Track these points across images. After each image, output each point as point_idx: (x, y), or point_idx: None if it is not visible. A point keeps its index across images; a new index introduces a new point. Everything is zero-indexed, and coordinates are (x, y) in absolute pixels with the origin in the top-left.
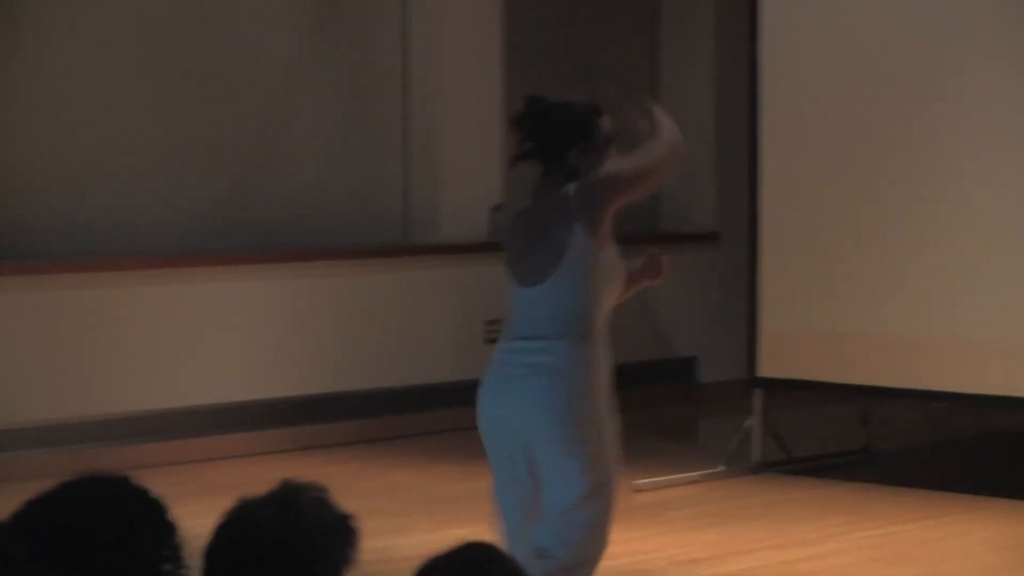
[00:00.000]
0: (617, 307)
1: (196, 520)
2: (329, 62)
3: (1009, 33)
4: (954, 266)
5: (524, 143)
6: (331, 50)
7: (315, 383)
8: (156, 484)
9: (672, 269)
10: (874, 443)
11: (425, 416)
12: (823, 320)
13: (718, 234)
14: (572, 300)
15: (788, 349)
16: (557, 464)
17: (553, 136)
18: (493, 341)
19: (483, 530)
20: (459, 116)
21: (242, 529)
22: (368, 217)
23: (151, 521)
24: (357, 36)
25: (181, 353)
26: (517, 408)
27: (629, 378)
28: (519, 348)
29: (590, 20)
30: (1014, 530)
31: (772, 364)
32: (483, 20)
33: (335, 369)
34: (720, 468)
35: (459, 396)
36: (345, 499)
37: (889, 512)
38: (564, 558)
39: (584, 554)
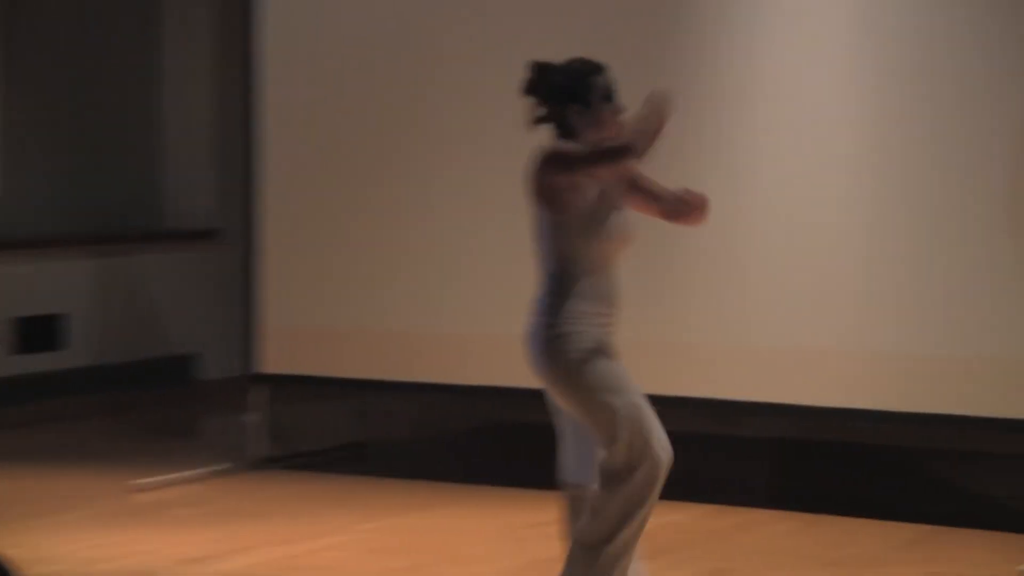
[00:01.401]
0: (113, 306)
1: None
2: None
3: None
4: (449, 262)
5: (537, 109)
6: None
7: None
8: None
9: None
10: (373, 436)
11: None
12: (322, 316)
13: (217, 231)
14: (550, 263)
15: (288, 345)
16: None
17: (552, 99)
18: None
19: None
20: None
21: None
22: None
23: None
24: None
25: None
26: None
27: (128, 377)
28: None
29: (91, 12)
30: (506, 518)
31: (273, 360)
32: None
33: None
34: (222, 465)
35: None
36: None
37: (388, 504)
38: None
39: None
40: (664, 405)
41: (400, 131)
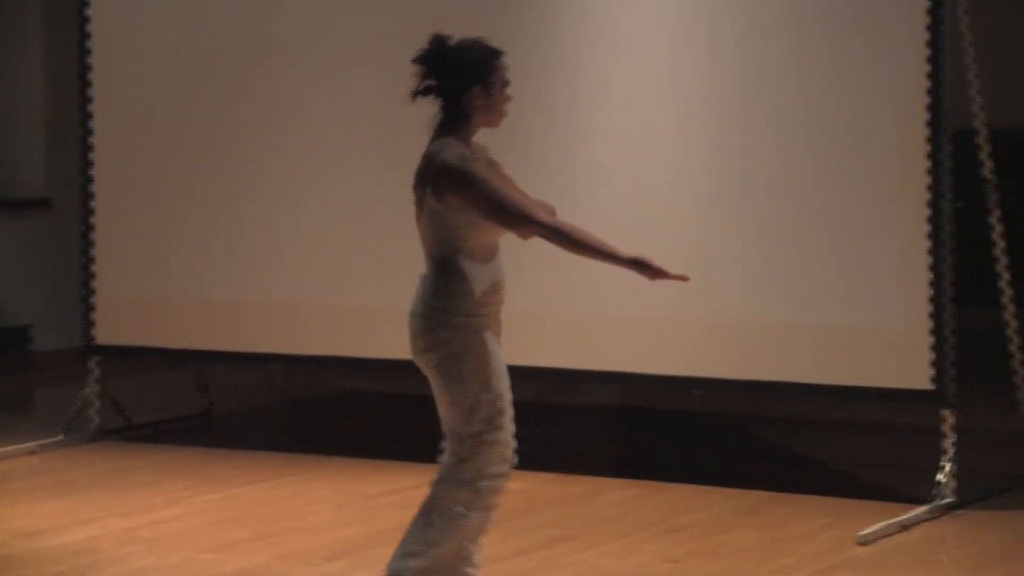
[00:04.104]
0: None
1: None
2: None
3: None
4: (285, 232)
5: (424, 80)
6: None
7: None
8: None
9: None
10: (214, 407)
11: None
12: (158, 286)
13: (49, 200)
14: (431, 247)
15: (124, 315)
16: None
17: (452, 76)
18: None
19: None
20: None
21: None
22: None
23: None
24: None
25: None
26: None
27: None
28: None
29: None
30: (349, 486)
31: (108, 331)
32: None
33: None
34: (59, 437)
35: None
36: None
37: (229, 475)
38: None
39: None
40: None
41: (233, 102)
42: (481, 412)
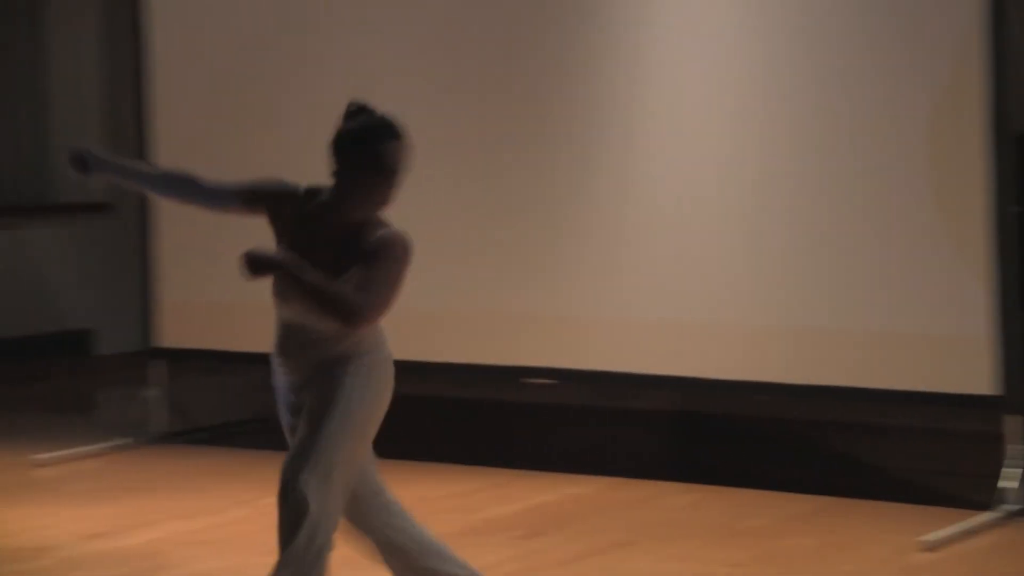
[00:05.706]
0: (6, 279)
1: None
2: None
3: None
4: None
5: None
6: None
7: None
8: None
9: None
10: (274, 410)
11: None
12: (218, 290)
13: (110, 204)
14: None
15: (185, 319)
16: None
17: (333, 152)
18: None
19: None
20: None
21: None
22: None
23: None
24: None
25: None
26: None
27: (20, 352)
28: None
29: None
30: (419, 491)
31: (170, 334)
32: None
33: None
34: (121, 440)
35: None
36: None
37: None
38: None
39: None
40: (561, 379)
41: (291, 101)
42: None
